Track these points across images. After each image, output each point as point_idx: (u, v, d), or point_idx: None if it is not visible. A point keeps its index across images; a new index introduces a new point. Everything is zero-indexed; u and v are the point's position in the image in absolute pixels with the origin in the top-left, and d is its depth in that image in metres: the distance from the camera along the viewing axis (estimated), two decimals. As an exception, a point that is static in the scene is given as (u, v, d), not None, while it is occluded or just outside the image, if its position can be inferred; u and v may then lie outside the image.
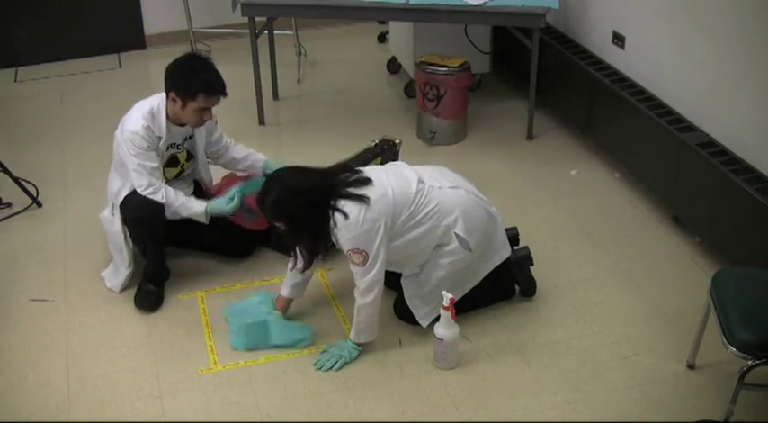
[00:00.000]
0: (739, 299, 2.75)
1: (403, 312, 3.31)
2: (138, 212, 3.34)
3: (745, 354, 2.63)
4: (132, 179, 3.33)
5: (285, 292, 3.31)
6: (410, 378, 3.10)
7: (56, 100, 5.34)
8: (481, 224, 3.22)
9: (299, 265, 3.14)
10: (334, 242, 3.08)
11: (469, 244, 3.16)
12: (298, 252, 3.12)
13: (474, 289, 3.31)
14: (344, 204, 2.98)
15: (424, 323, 3.26)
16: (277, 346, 3.21)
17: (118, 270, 3.52)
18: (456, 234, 3.14)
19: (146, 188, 3.31)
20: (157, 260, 3.47)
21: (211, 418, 2.93)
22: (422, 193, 3.12)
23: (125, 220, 3.40)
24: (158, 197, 3.32)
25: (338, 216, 2.97)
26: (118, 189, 3.41)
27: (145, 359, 3.19)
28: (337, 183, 3.03)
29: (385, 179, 3.09)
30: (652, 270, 3.67)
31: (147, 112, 3.33)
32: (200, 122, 3.40)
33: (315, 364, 3.14)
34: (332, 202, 2.98)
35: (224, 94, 3.34)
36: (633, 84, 4.27)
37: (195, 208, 3.39)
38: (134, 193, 3.34)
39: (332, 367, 3.11)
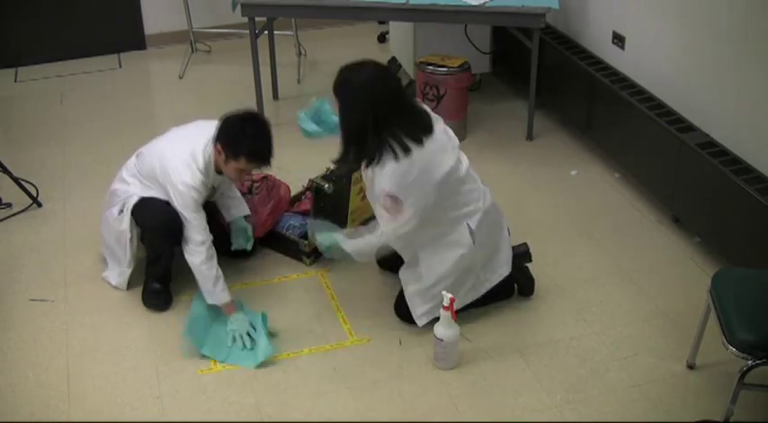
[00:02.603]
0: (739, 299, 2.75)
1: (404, 313, 3.30)
2: (165, 225, 3.28)
3: (745, 354, 2.63)
4: (190, 229, 3.25)
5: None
6: (410, 378, 3.10)
7: (56, 100, 5.34)
8: (493, 229, 3.24)
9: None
10: (364, 178, 3.09)
11: (477, 238, 3.15)
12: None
13: None
14: (399, 145, 2.91)
15: (420, 322, 3.25)
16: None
17: (121, 268, 3.51)
18: (468, 225, 3.14)
19: (201, 244, 3.25)
20: (170, 264, 3.46)
21: (211, 418, 2.93)
22: (465, 178, 3.11)
23: (145, 228, 3.38)
24: (197, 258, 3.24)
25: (389, 153, 2.91)
26: (134, 193, 3.38)
27: (145, 359, 3.19)
28: (410, 116, 2.98)
29: (450, 147, 3.06)
30: (652, 270, 3.67)
31: (203, 166, 3.25)
32: (239, 180, 3.42)
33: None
34: (394, 130, 2.92)
35: (268, 164, 3.31)
36: (633, 84, 4.27)
37: (219, 294, 3.26)
38: (155, 201, 3.33)
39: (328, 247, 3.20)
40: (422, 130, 3.00)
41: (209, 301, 3.28)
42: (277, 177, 3.88)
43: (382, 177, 2.95)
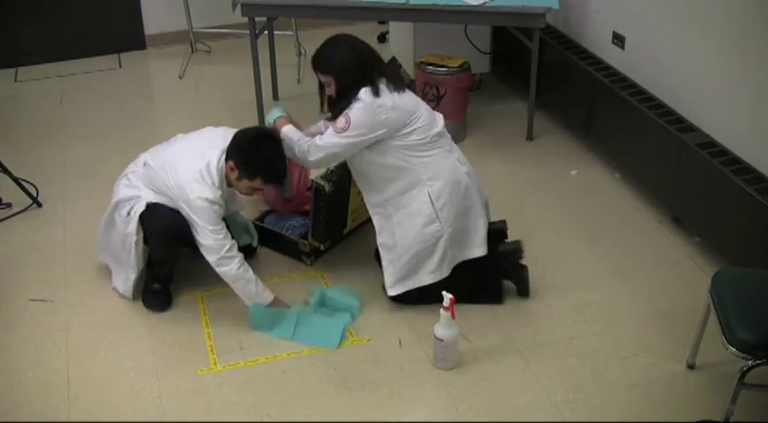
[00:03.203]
0: (739, 299, 2.75)
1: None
2: (169, 229, 3.29)
3: (745, 354, 2.63)
4: (216, 239, 3.21)
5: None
6: (410, 378, 3.10)
7: (56, 100, 5.34)
8: (465, 208, 3.29)
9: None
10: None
11: (439, 211, 3.23)
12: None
13: (451, 282, 3.28)
14: (383, 87, 3.17)
15: (390, 292, 3.35)
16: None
17: (126, 273, 3.48)
18: (429, 194, 3.23)
19: (231, 249, 3.23)
20: (174, 268, 3.46)
21: (211, 418, 2.94)
22: (436, 140, 3.25)
23: (152, 233, 3.35)
24: (234, 264, 3.22)
25: (367, 90, 3.14)
26: (144, 199, 3.35)
27: (145, 359, 3.19)
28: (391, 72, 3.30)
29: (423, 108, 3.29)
30: (652, 270, 3.67)
31: (218, 182, 3.24)
32: (249, 195, 3.43)
33: None
34: (373, 78, 3.17)
35: (282, 185, 3.37)
36: (633, 84, 4.27)
37: (262, 293, 3.29)
38: (162, 207, 3.31)
39: None
40: (401, 86, 3.26)
41: (261, 303, 3.28)
42: None
43: (356, 102, 3.15)
